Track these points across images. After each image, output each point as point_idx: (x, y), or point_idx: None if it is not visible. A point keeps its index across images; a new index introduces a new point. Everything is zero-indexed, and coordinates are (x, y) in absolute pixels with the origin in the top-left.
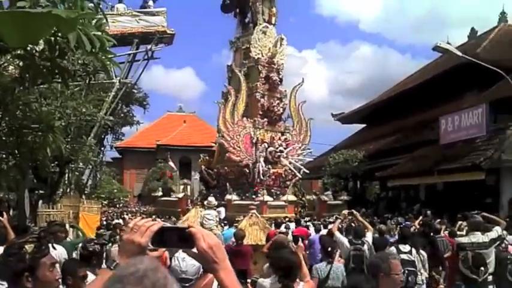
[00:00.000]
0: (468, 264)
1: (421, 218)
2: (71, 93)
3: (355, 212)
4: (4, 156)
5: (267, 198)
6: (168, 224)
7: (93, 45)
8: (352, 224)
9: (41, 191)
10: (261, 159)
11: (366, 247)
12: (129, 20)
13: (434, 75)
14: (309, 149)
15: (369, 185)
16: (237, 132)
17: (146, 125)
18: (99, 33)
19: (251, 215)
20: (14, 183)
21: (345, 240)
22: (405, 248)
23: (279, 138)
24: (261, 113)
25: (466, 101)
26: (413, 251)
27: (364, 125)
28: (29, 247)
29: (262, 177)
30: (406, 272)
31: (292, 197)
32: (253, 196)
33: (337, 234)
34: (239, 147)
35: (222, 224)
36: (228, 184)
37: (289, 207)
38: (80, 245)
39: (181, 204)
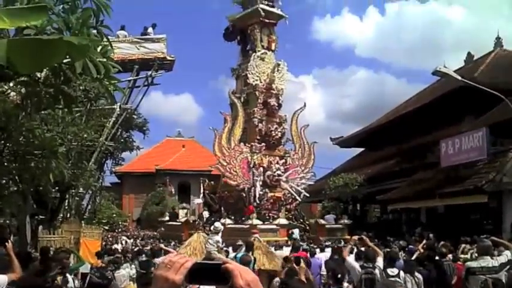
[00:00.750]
0: None
1: (424, 241)
2: (72, 119)
3: (364, 237)
4: (6, 182)
5: (256, 221)
6: (201, 261)
7: (99, 71)
8: (355, 249)
9: (41, 216)
10: (257, 184)
11: (377, 271)
12: (129, 46)
13: (432, 99)
14: (312, 172)
15: (369, 209)
16: (233, 157)
17: (145, 149)
18: (104, 59)
19: (254, 239)
20: (16, 209)
21: (356, 264)
22: (393, 271)
23: (277, 162)
24: (258, 138)
25: (465, 125)
26: (402, 273)
27: (362, 149)
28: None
29: (258, 201)
30: None
31: (284, 221)
32: (243, 219)
33: (348, 259)
34: (236, 171)
35: (225, 249)
36: (222, 208)
37: (282, 231)
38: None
39: (184, 228)
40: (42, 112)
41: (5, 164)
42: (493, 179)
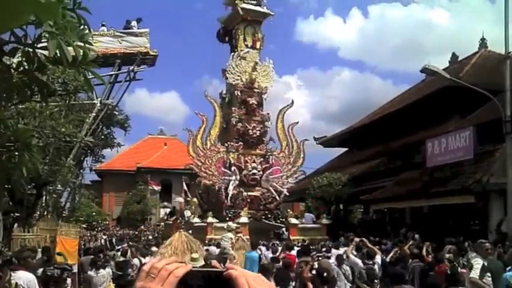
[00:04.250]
0: None
1: (411, 242)
2: (50, 113)
3: (365, 239)
4: None
5: (210, 220)
6: (198, 267)
7: (76, 55)
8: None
9: (16, 214)
10: (231, 183)
11: (376, 267)
12: (111, 40)
13: (417, 99)
14: (302, 170)
15: (353, 209)
16: (209, 156)
17: (126, 147)
18: (82, 44)
19: (237, 239)
20: None
21: (359, 261)
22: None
23: (253, 161)
24: (236, 137)
25: (450, 124)
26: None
27: (346, 149)
28: None
29: (230, 200)
30: None
31: (245, 219)
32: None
33: (352, 256)
34: (211, 171)
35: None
36: (203, 207)
37: (243, 229)
38: (41, 269)
39: (172, 228)
40: (19, 106)
41: None
42: (479, 180)
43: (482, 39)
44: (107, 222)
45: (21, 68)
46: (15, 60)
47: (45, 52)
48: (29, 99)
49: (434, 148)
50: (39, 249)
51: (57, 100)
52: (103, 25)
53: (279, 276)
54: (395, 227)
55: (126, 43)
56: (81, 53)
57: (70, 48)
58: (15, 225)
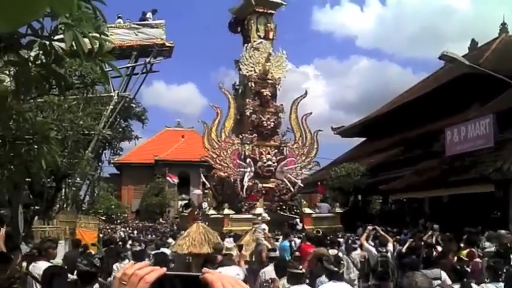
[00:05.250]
0: None
1: (430, 232)
2: (68, 107)
3: (377, 227)
4: None
5: (227, 211)
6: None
7: (92, 47)
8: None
9: (36, 207)
10: (246, 175)
11: (389, 254)
12: (127, 32)
13: (435, 87)
14: (315, 161)
15: (371, 199)
16: (224, 149)
17: (144, 140)
18: (97, 35)
19: (254, 230)
20: (8, 198)
21: (373, 249)
22: (333, 252)
23: (268, 153)
24: (251, 128)
25: (470, 112)
26: (340, 254)
27: (364, 139)
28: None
29: (246, 192)
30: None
31: (260, 210)
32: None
33: (365, 244)
34: (226, 163)
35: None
36: (217, 199)
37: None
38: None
39: (188, 219)
40: (38, 100)
41: None
42: (500, 168)
43: (503, 24)
44: (126, 215)
45: (39, 61)
46: (32, 53)
47: (62, 44)
48: (47, 92)
49: (453, 136)
50: (61, 241)
51: (75, 93)
52: (119, 17)
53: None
54: (414, 217)
55: (142, 35)
56: (97, 44)
57: (86, 40)
58: (36, 218)
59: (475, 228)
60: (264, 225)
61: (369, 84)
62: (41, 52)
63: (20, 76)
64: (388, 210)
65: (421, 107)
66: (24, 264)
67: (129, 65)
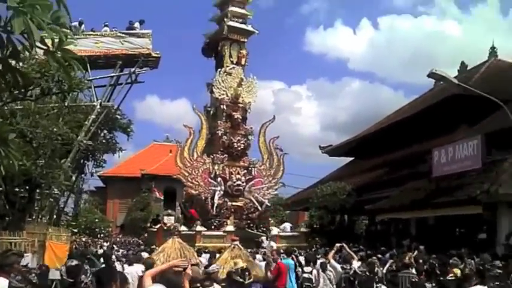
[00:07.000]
0: None
1: (416, 253)
2: (46, 114)
3: (344, 245)
4: None
5: (199, 228)
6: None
7: (52, 41)
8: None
9: (10, 218)
10: (216, 193)
11: (352, 272)
12: (112, 41)
13: (424, 107)
14: (281, 183)
15: (357, 219)
16: (195, 167)
17: (131, 154)
18: (57, 27)
19: (233, 247)
20: None
21: (338, 265)
22: (308, 269)
23: (238, 173)
24: (222, 149)
25: (458, 134)
26: (314, 271)
27: (352, 158)
28: None
29: (216, 210)
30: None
31: (231, 228)
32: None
33: (332, 261)
34: (197, 181)
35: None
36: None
37: (228, 237)
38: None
39: (158, 235)
40: (13, 104)
41: None
42: (487, 190)
43: (492, 48)
44: (110, 229)
45: None
46: None
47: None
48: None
49: (440, 157)
50: (27, 254)
51: (52, 101)
52: (106, 25)
53: None
54: (400, 238)
55: (128, 44)
56: (56, 37)
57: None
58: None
59: (460, 250)
60: (272, 243)
61: (361, 106)
62: None
63: None
64: (374, 231)
65: (409, 127)
66: None
67: (113, 74)
